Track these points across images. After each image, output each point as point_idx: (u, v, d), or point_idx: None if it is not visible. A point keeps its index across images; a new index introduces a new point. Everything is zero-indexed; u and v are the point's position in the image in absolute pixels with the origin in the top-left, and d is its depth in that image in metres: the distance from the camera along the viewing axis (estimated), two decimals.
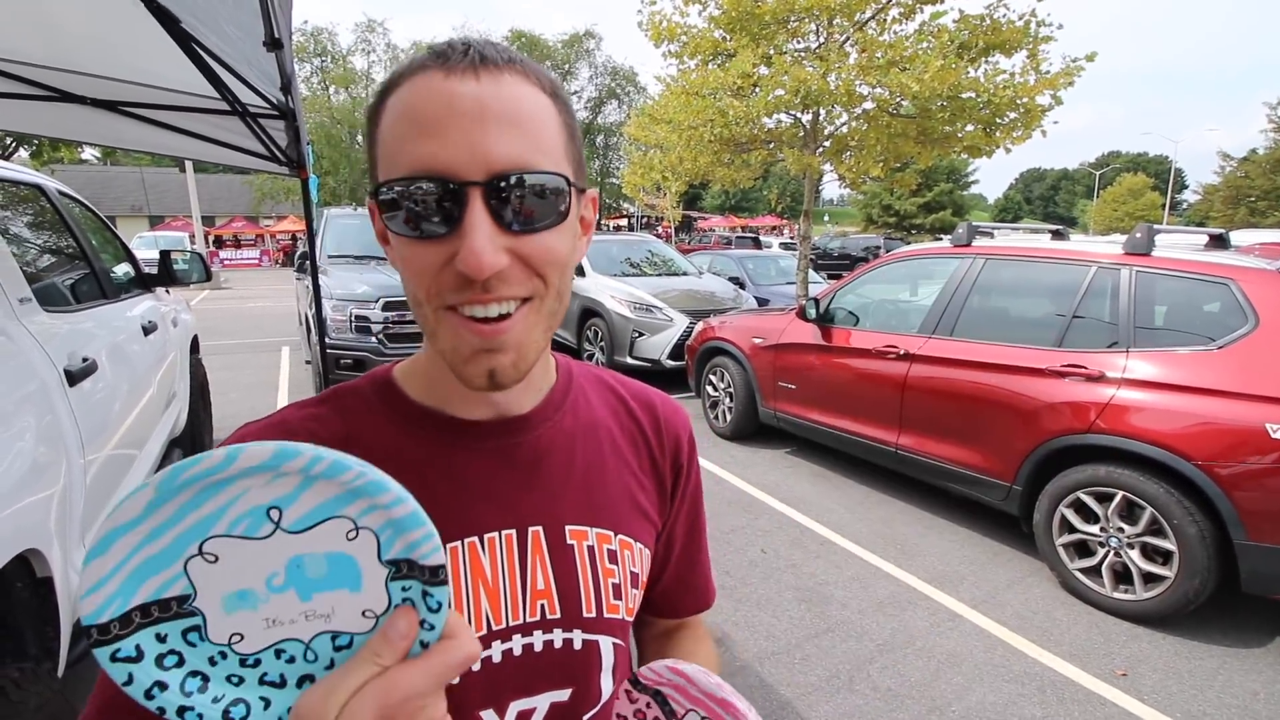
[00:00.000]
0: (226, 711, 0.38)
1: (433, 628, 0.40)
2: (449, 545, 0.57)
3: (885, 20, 8.21)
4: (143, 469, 2.79)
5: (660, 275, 8.24)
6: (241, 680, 0.39)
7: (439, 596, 0.40)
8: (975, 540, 3.73)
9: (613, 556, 0.64)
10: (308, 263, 6.38)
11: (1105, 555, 3.03)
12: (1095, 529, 3.06)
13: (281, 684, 0.40)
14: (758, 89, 8.03)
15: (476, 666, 0.56)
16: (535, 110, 0.52)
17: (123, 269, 3.51)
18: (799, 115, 8.59)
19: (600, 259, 7.96)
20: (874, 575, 3.35)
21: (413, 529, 0.39)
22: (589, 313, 7.51)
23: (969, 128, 7.83)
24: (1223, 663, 2.69)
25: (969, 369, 3.57)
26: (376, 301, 5.48)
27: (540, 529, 0.61)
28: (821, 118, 8.51)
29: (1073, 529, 3.13)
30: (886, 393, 3.99)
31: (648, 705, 0.59)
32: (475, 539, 0.58)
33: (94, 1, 1.99)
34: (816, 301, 4.64)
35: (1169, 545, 2.81)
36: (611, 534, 0.64)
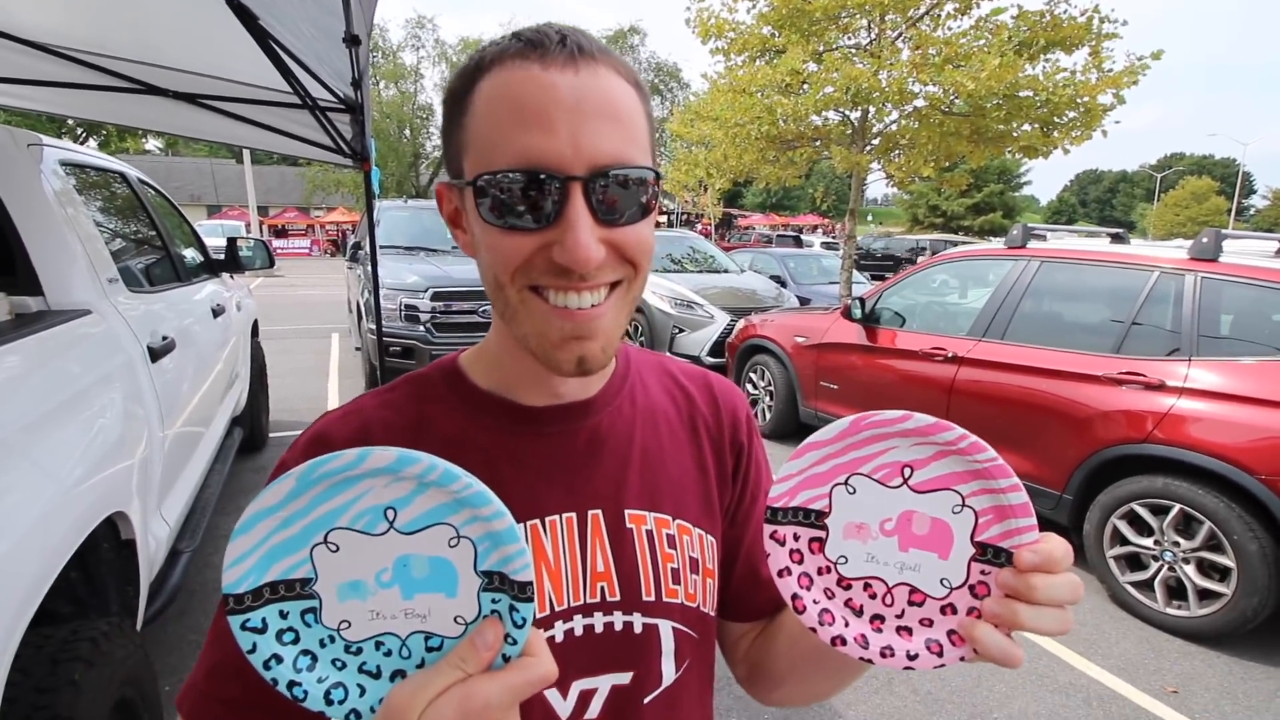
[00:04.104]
0: (328, 692, 0.42)
1: (515, 642, 0.42)
2: None
3: (939, 16, 8.05)
4: (209, 445, 2.94)
5: (701, 272, 8.25)
6: (344, 665, 0.43)
7: (524, 613, 0.42)
8: None
9: (671, 541, 0.64)
10: (360, 252, 6.59)
11: (1159, 569, 2.95)
12: (1149, 542, 2.98)
13: (377, 675, 0.43)
14: (806, 86, 7.96)
15: None
16: (629, 104, 0.52)
17: (192, 254, 3.69)
18: (848, 113, 8.49)
19: None
20: None
21: (508, 543, 0.42)
22: None
23: (1025, 127, 7.63)
24: None
25: (1020, 374, 3.50)
26: (425, 291, 5.62)
27: (599, 512, 0.62)
28: (871, 115, 8.39)
29: (1125, 541, 3.05)
30: (932, 395, 3.93)
31: (795, 537, 0.51)
32: (537, 521, 0.59)
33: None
34: (862, 301, 4.60)
35: (1227, 561, 2.72)
36: (670, 519, 0.65)
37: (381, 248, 6.81)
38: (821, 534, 0.51)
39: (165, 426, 2.20)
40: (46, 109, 3.11)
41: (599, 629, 0.60)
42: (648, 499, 0.64)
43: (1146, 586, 3.00)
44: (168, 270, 2.97)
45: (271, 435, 4.83)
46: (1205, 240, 3.13)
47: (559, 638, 0.58)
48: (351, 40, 1.85)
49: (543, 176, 0.49)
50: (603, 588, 0.60)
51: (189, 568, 2.29)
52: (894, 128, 8.46)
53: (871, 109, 8.19)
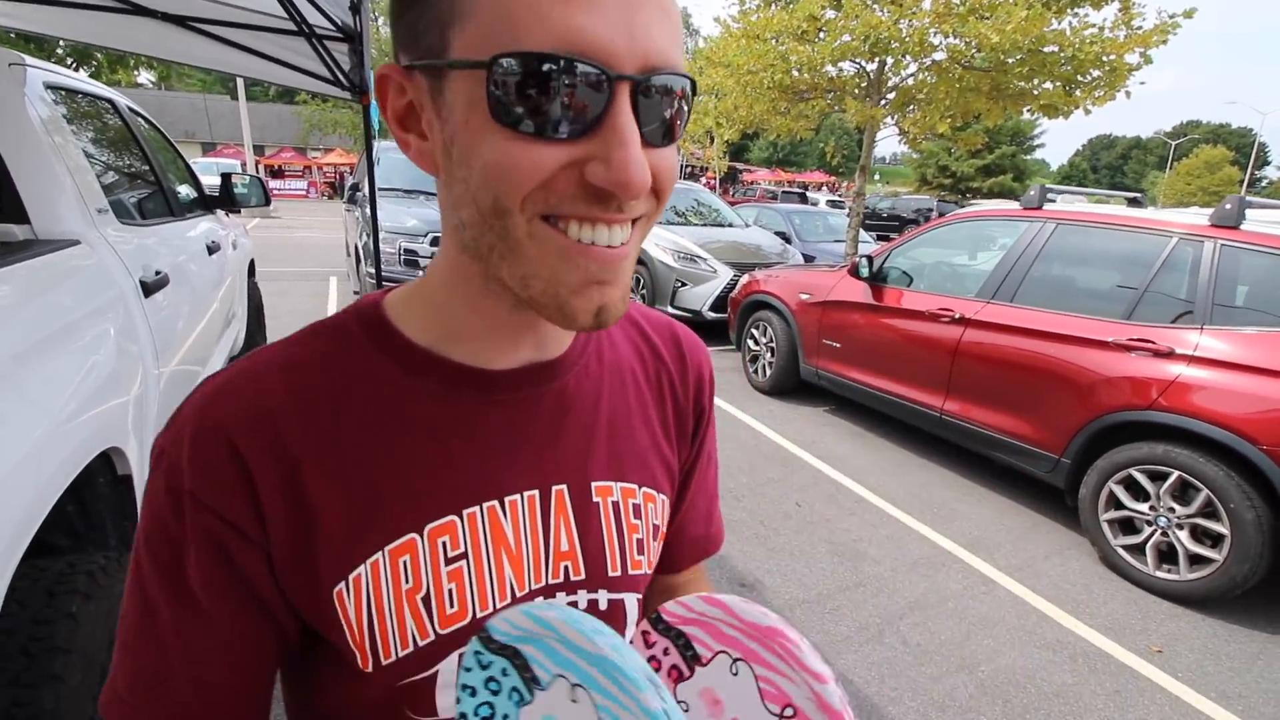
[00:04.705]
0: None
1: None
2: (466, 511, 0.51)
3: None
4: None
5: (706, 225, 8.11)
6: None
7: None
8: (1014, 509, 3.70)
9: (637, 511, 0.59)
10: (358, 194, 6.44)
11: (1152, 534, 2.97)
12: (1144, 507, 2.99)
13: None
14: (823, 34, 7.67)
15: None
16: None
17: (186, 189, 3.58)
18: (864, 64, 8.21)
19: None
20: (909, 536, 3.35)
21: None
22: None
23: (1047, 85, 7.39)
24: (1264, 648, 2.64)
25: (1027, 337, 3.46)
26: (425, 236, 5.53)
27: (564, 487, 0.55)
28: (888, 67, 8.12)
29: (1120, 505, 3.07)
30: (937, 356, 3.91)
31: (665, 651, 0.51)
32: (495, 503, 0.52)
33: None
34: (870, 259, 4.53)
35: (1221, 529, 2.73)
36: (636, 487, 0.60)
37: (380, 190, 6.68)
38: (686, 673, 0.49)
39: (160, 364, 2.16)
40: (28, 27, 2.97)
41: None
42: (615, 469, 0.58)
43: (1138, 550, 3.03)
44: (160, 204, 2.89)
45: None
46: (1228, 207, 3.05)
47: None
48: None
49: (594, 71, 0.38)
50: (566, 567, 0.55)
51: None
52: (911, 81, 8.20)
53: (889, 60, 7.91)
